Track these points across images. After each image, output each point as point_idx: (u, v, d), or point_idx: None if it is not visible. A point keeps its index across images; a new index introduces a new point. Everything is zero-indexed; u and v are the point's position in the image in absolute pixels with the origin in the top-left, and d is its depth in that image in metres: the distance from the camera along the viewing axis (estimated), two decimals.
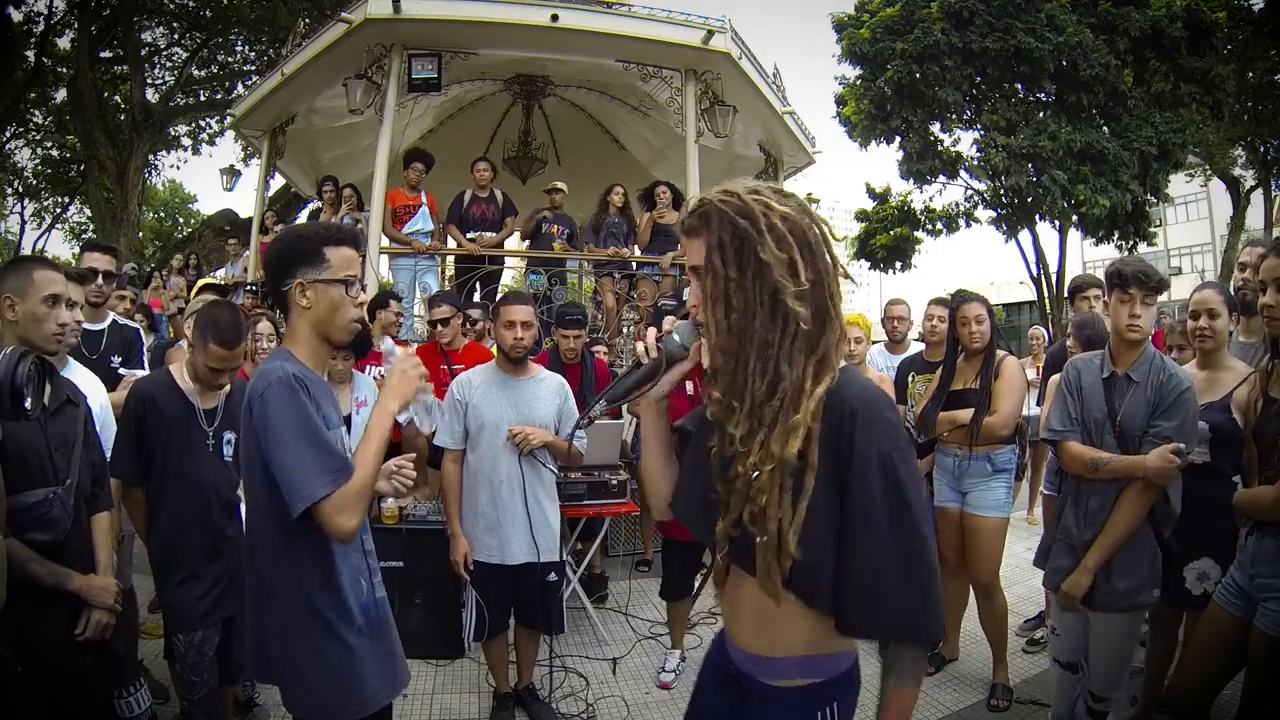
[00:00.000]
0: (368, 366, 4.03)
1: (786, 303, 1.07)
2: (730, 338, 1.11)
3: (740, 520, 1.12)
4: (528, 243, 6.78)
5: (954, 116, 16.26)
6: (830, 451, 1.08)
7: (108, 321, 3.06)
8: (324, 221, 6.14)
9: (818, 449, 1.08)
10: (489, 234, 6.23)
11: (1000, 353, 3.24)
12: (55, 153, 18.36)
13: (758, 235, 1.08)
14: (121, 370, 2.98)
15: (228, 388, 2.41)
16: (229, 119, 8.98)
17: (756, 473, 1.09)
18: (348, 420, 3.13)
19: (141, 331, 3.35)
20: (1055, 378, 3.60)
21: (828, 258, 1.11)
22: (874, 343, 4.47)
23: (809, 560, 1.08)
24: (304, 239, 1.61)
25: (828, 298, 1.10)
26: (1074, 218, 15.62)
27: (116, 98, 15.51)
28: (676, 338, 1.25)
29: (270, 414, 1.45)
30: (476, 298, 6.01)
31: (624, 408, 4.83)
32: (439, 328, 4.18)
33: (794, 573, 1.09)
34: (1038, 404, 4.55)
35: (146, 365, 3.19)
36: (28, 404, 1.58)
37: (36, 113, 16.84)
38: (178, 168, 49.40)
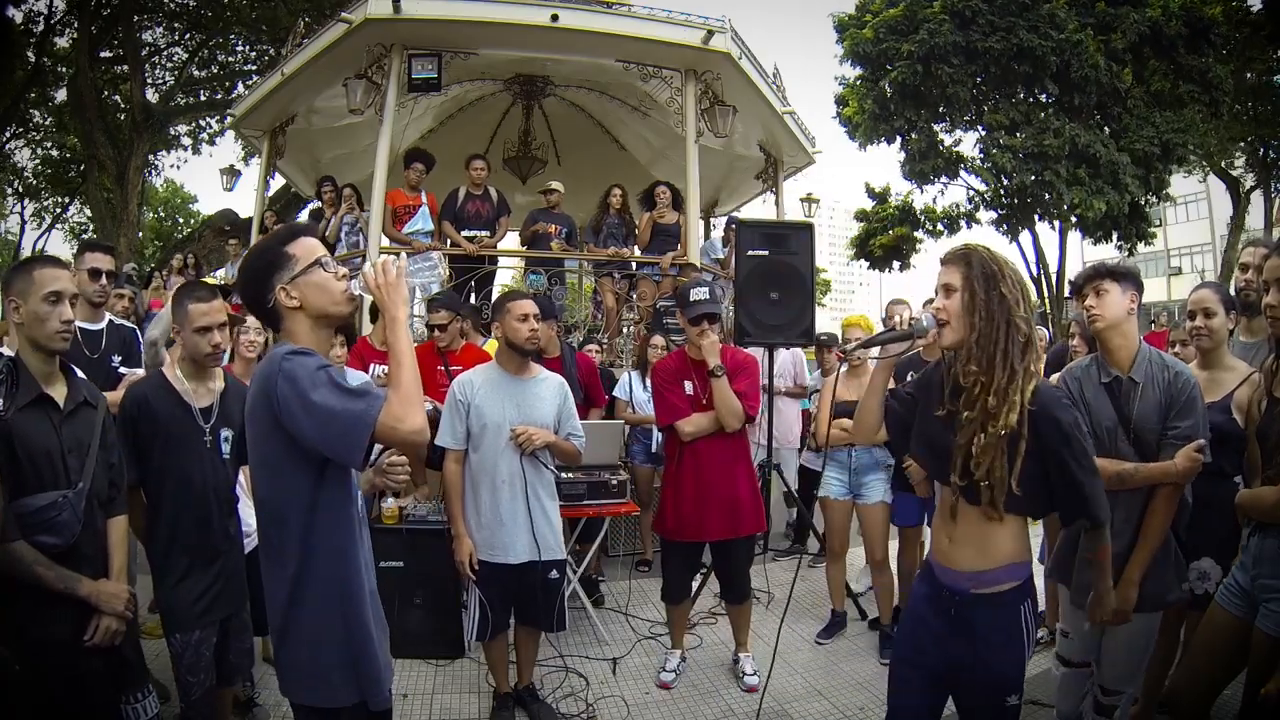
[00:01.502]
0: (372, 365, 4.03)
1: (1016, 321, 1.68)
2: (981, 337, 1.69)
3: (979, 466, 1.67)
4: (529, 244, 6.78)
5: (957, 116, 16.28)
6: (1036, 424, 1.66)
7: (105, 321, 3.05)
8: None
9: (1029, 424, 1.66)
10: (484, 233, 6.22)
11: None
12: (55, 153, 18.39)
13: (1000, 277, 1.70)
14: (122, 370, 2.96)
15: (222, 384, 2.40)
16: (229, 119, 8.99)
17: (1003, 431, 1.65)
18: None
19: (138, 331, 3.34)
20: (1054, 377, 3.61)
21: (1028, 309, 1.72)
22: None
23: (1026, 492, 1.68)
24: (264, 251, 1.64)
25: (1031, 330, 1.71)
26: (1073, 219, 15.63)
27: (116, 97, 15.51)
28: (924, 322, 1.79)
29: (297, 378, 1.45)
30: (473, 299, 6.01)
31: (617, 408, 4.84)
32: (437, 332, 4.19)
33: (1010, 502, 1.68)
34: None
35: (145, 364, 3.17)
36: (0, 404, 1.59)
37: (36, 113, 16.86)
38: (178, 167, 49.45)
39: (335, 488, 1.55)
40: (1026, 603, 1.74)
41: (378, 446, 1.57)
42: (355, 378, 3.51)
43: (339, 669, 1.57)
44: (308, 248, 1.60)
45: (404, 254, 1.64)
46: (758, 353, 4.26)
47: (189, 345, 2.31)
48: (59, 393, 1.95)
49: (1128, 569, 2.18)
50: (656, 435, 4.67)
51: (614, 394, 4.99)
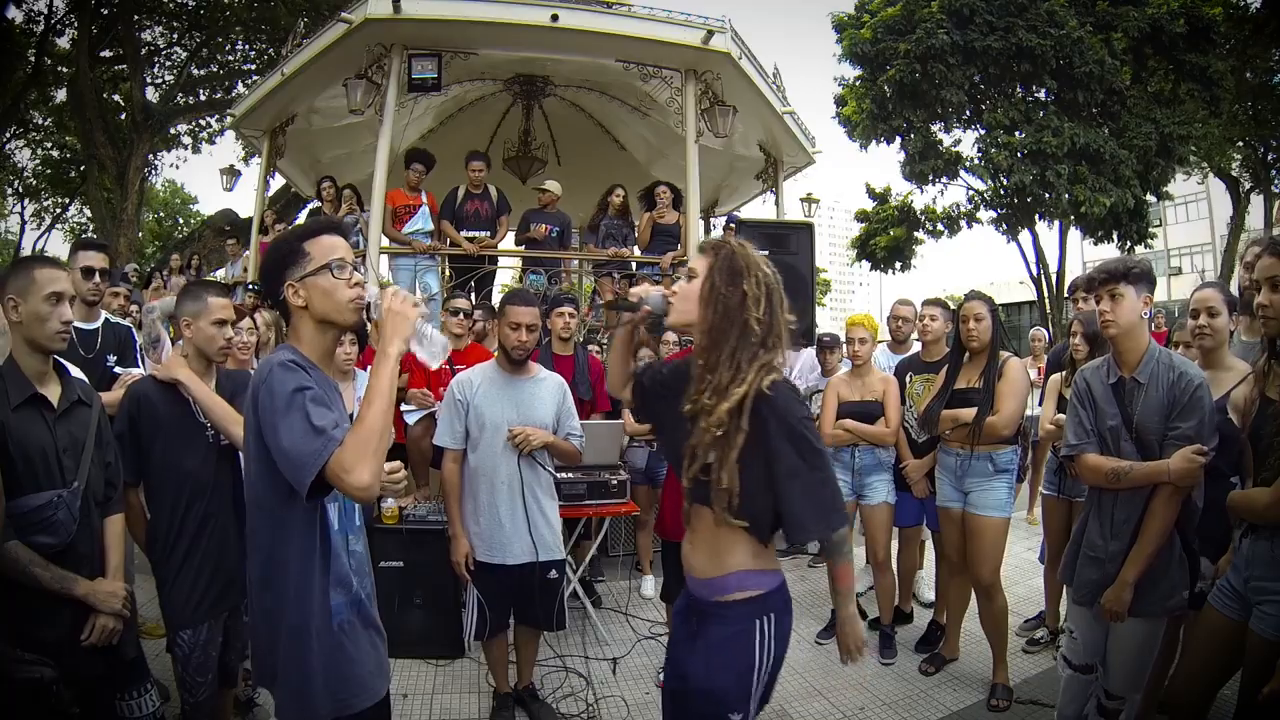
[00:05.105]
0: (370, 366, 4.03)
1: (750, 322, 1.62)
2: (712, 329, 1.64)
3: (706, 465, 1.60)
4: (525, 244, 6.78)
5: (955, 116, 16.28)
6: (762, 419, 1.58)
7: (100, 320, 3.04)
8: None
9: (749, 419, 1.57)
10: (484, 233, 6.21)
11: (1004, 354, 3.24)
12: (55, 153, 18.39)
13: (746, 274, 1.64)
14: (117, 369, 2.96)
15: (213, 381, 2.40)
16: (229, 119, 8.98)
17: (716, 430, 1.58)
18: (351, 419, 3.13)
19: (134, 330, 3.33)
20: (1055, 377, 3.62)
21: (779, 307, 1.68)
22: (880, 342, 4.48)
23: (746, 496, 1.58)
24: (283, 243, 1.63)
25: (775, 330, 1.67)
26: (1073, 217, 15.63)
27: (116, 97, 15.51)
28: (649, 300, 1.77)
29: (274, 393, 1.45)
30: (473, 299, 6.01)
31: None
32: (460, 317, 4.24)
33: (737, 507, 1.59)
34: (1039, 404, 4.55)
35: (140, 363, 3.16)
36: None
37: (36, 113, 16.86)
38: (177, 167, 49.36)
39: (302, 500, 1.51)
40: (763, 619, 1.64)
41: None
42: (359, 379, 3.55)
43: (304, 676, 1.54)
44: (325, 247, 1.57)
45: (430, 329, 1.59)
46: None
47: (203, 337, 2.32)
48: (52, 392, 1.95)
49: (1123, 570, 2.19)
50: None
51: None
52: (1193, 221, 30.98)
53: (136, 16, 14.26)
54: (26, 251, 20.41)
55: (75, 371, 2.17)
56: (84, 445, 1.96)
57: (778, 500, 1.60)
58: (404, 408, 3.96)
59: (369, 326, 1.62)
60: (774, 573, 1.69)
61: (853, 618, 1.80)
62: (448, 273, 6.48)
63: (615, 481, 3.82)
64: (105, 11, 14.15)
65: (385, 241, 6.26)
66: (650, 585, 4.47)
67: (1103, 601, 2.23)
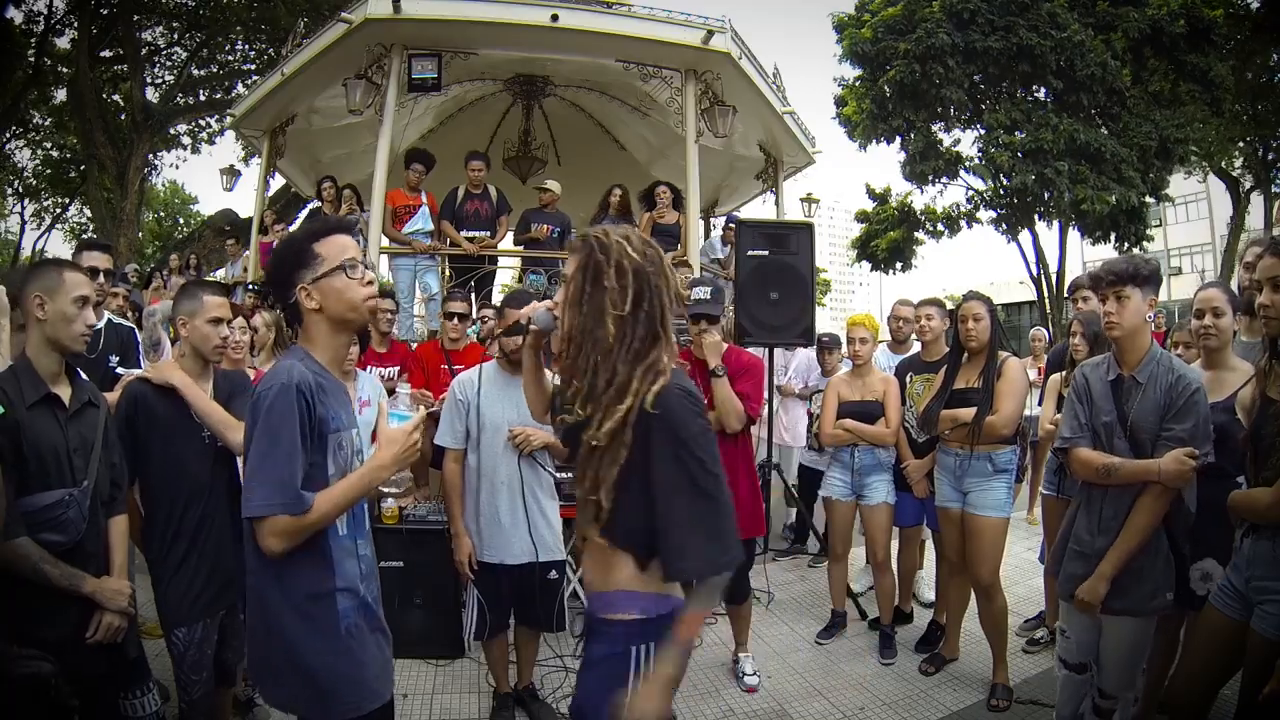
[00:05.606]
0: (369, 366, 4.03)
1: (608, 323, 1.43)
2: (576, 333, 1.48)
3: (577, 480, 1.50)
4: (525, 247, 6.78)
5: (955, 116, 16.30)
6: (643, 435, 1.41)
7: (103, 321, 3.05)
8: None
9: (633, 432, 1.41)
10: (484, 233, 6.22)
11: (1003, 354, 3.25)
12: (55, 153, 18.41)
13: (606, 268, 1.45)
14: (119, 370, 2.96)
15: (210, 383, 2.41)
16: (229, 119, 8.99)
17: (593, 443, 1.44)
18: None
19: (136, 330, 3.34)
20: (1055, 377, 3.62)
21: (662, 298, 1.48)
22: (880, 342, 4.48)
23: (622, 516, 1.44)
24: (292, 245, 1.63)
25: (658, 325, 1.47)
26: (1073, 217, 15.65)
27: (116, 97, 15.53)
28: (536, 319, 1.65)
29: (261, 418, 1.47)
30: (474, 299, 6.01)
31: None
32: (457, 320, 4.31)
33: (608, 526, 1.45)
34: (1039, 404, 4.55)
35: (142, 364, 3.17)
36: None
37: (36, 113, 16.87)
38: (177, 167, 49.41)
39: None
40: (640, 647, 1.44)
41: None
42: (359, 379, 3.54)
43: (305, 679, 1.56)
44: (337, 247, 1.59)
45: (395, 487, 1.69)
46: (759, 353, 4.26)
47: (199, 336, 2.33)
48: (64, 392, 1.97)
49: (1101, 564, 2.20)
50: None
51: None
52: (1193, 221, 30.97)
53: (136, 16, 14.28)
54: (27, 251, 20.44)
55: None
56: (93, 445, 1.98)
57: (657, 522, 1.40)
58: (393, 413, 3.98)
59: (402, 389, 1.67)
60: (662, 597, 1.47)
61: (665, 684, 1.43)
62: (447, 273, 6.48)
63: None
64: (105, 11, 14.17)
65: (385, 241, 6.26)
66: None
67: (1077, 593, 2.25)
